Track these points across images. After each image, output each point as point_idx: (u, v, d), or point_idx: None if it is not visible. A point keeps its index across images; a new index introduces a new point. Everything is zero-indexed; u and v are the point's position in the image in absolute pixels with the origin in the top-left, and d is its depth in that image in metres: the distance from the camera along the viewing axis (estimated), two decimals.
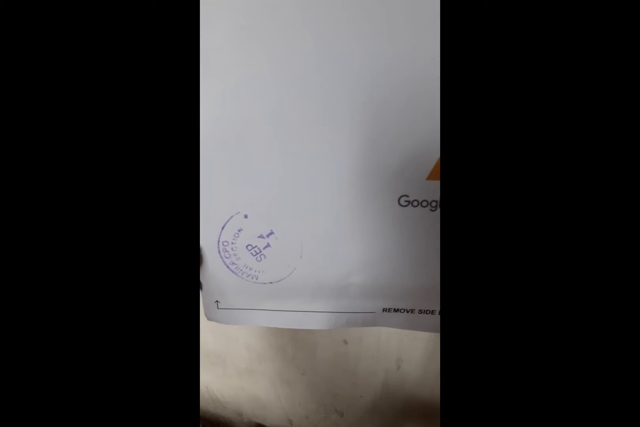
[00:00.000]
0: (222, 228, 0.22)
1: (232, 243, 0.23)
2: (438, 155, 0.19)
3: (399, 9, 0.16)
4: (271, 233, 0.22)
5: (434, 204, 0.20)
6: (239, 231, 0.22)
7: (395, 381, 0.38)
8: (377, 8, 0.16)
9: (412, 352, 0.34)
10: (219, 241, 0.22)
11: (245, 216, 0.22)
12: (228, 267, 0.24)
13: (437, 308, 0.24)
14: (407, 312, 0.25)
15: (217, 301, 0.25)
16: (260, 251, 0.23)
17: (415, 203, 0.20)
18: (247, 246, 0.23)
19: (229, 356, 0.41)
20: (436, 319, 0.25)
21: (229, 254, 0.23)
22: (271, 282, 0.24)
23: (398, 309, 0.25)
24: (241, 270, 0.24)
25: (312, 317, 0.25)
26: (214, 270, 0.24)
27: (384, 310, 0.25)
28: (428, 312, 0.25)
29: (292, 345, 0.37)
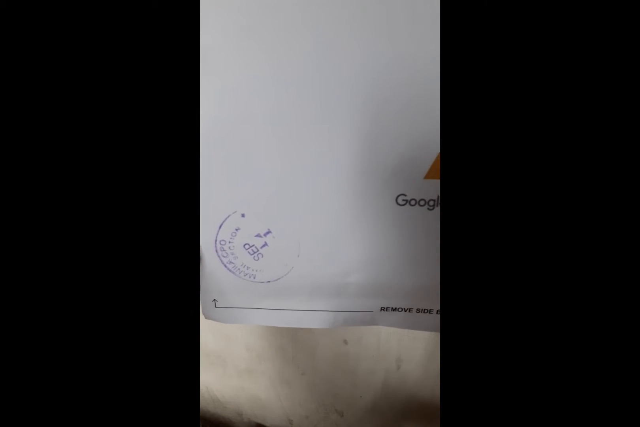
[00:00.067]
0: (220, 227, 0.22)
1: (230, 242, 0.23)
2: (436, 154, 0.19)
3: (399, 9, 0.16)
4: (268, 232, 0.22)
5: (431, 203, 0.20)
6: (236, 229, 0.22)
7: (395, 381, 0.38)
8: (377, 8, 0.16)
9: (412, 352, 0.34)
10: (216, 240, 0.23)
11: (243, 215, 0.22)
12: (225, 266, 0.24)
13: (435, 307, 0.24)
14: (405, 311, 0.25)
15: (214, 299, 0.25)
16: (258, 250, 0.23)
17: (412, 202, 0.20)
18: (244, 245, 0.23)
19: (229, 356, 0.41)
20: (434, 318, 0.25)
21: (227, 253, 0.23)
22: (269, 281, 0.24)
23: (396, 308, 0.25)
24: (239, 269, 0.24)
25: (310, 316, 0.25)
26: (212, 269, 0.24)
27: (382, 309, 0.25)
28: (426, 311, 0.25)
29: (292, 345, 0.37)
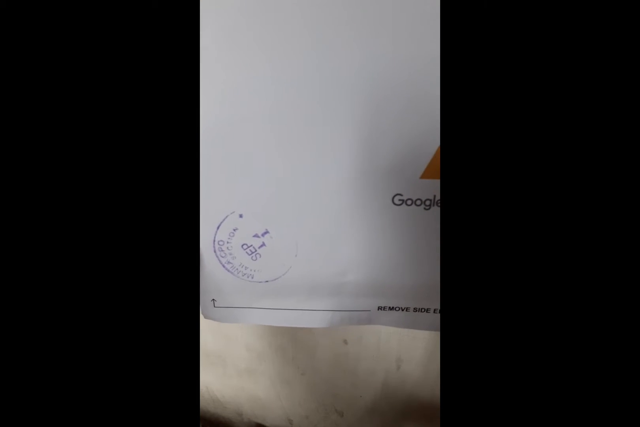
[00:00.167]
0: (218, 227, 0.22)
1: (228, 242, 0.23)
2: (432, 154, 0.19)
3: (399, 9, 0.16)
4: (266, 232, 0.22)
5: (428, 202, 0.20)
6: (234, 230, 0.22)
7: (395, 381, 0.38)
8: (377, 8, 0.16)
9: (412, 352, 0.34)
10: (214, 240, 0.23)
11: (240, 216, 0.22)
12: (224, 266, 0.24)
13: (432, 306, 0.24)
14: (403, 310, 0.25)
15: (213, 299, 0.25)
16: (256, 250, 0.23)
17: (409, 202, 0.21)
18: (242, 245, 0.23)
19: (229, 356, 0.41)
20: (431, 317, 0.25)
21: (225, 253, 0.23)
22: (267, 281, 0.24)
23: (393, 308, 0.25)
24: (237, 269, 0.24)
25: (308, 315, 0.25)
26: (210, 269, 0.24)
27: (380, 308, 0.25)
28: (423, 310, 0.25)
29: (292, 345, 0.37)
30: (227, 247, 0.23)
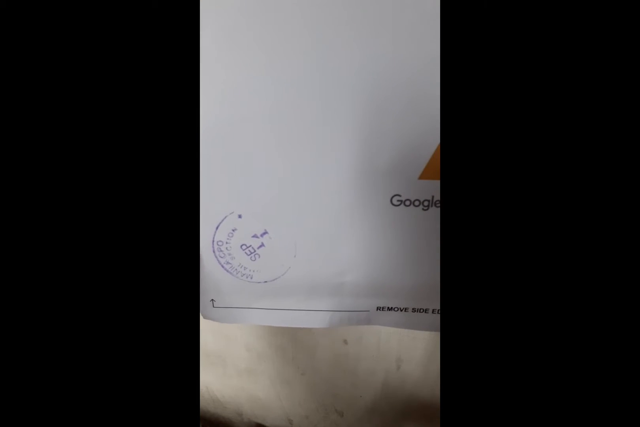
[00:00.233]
0: (217, 228, 0.22)
1: (227, 243, 0.23)
2: (430, 155, 0.19)
3: (399, 10, 0.16)
4: (265, 233, 0.22)
5: (426, 203, 0.20)
6: (233, 230, 0.22)
7: (395, 381, 0.38)
8: (377, 8, 0.16)
9: (412, 352, 0.34)
10: (213, 241, 0.23)
11: (239, 216, 0.22)
12: (223, 266, 0.24)
13: (431, 307, 0.25)
14: (401, 310, 0.25)
15: (212, 299, 0.25)
16: (255, 251, 0.23)
17: (407, 202, 0.21)
18: (241, 246, 0.23)
19: (229, 356, 0.41)
20: (430, 317, 0.25)
21: (224, 254, 0.23)
22: (266, 282, 0.24)
23: (392, 308, 0.25)
24: (236, 269, 0.24)
25: (306, 315, 0.25)
26: (209, 269, 0.24)
27: (378, 308, 0.25)
28: (422, 310, 0.25)
29: (292, 345, 0.37)
30: (226, 248, 0.23)
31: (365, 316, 0.25)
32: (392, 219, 0.21)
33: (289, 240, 0.22)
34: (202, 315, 0.26)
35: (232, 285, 0.24)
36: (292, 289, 0.24)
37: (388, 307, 0.25)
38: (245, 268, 0.24)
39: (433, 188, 0.20)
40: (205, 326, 0.38)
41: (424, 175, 0.20)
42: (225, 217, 0.22)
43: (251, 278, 0.24)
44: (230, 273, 0.24)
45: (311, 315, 0.25)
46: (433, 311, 0.24)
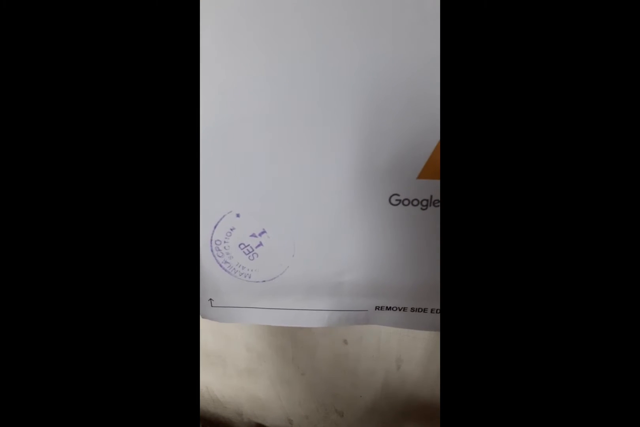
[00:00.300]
0: (215, 227, 0.22)
1: (225, 242, 0.23)
2: (429, 154, 0.19)
3: (399, 10, 0.16)
4: (263, 232, 0.22)
5: (424, 202, 0.20)
6: (231, 229, 0.22)
7: (395, 381, 0.38)
8: (377, 8, 0.16)
9: (412, 352, 0.34)
10: (211, 240, 0.23)
11: (238, 215, 0.22)
12: (221, 265, 0.24)
13: (430, 306, 0.24)
14: (400, 310, 0.25)
15: (210, 299, 0.25)
16: (253, 250, 0.23)
17: (406, 202, 0.21)
18: (239, 245, 0.23)
19: (229, 356, 0.41)
20: (428, 317, 0.25)
21: (222, 253, 0.23)
22: (264, 281, 0.24)
23: (390, 307, 0.25)
24: (234, 268, 0.24)
25: (305, 315, 0.25)
26: (207, 268, 0.24)
27: (377, 308, 0.25)
28: (420, 310, 0.25)
29: (292, 345, 0.37)
30: (224, 247, 0.23)
31: (363, 316, 0.25)
32: (391, 219, 0.21)
33: (287, 239, 0.22)
34: (201, 315, 0.26)
35: (231, 284, 0.24)
36: (291, 289, 0.24)
37: (386, 307, 0.25)
38: (243, 267, 0.24)
39: (431, 187, 0.20)
40: (205, 326, 0.38)
41: (422, 175, 0.20)
42: (224, 216, 0.22)
43: (249, 277, 0.24)
44: (229, 272, 0.24)
45: (310, 314, 0.25)
46: (432, 311, 0.24)
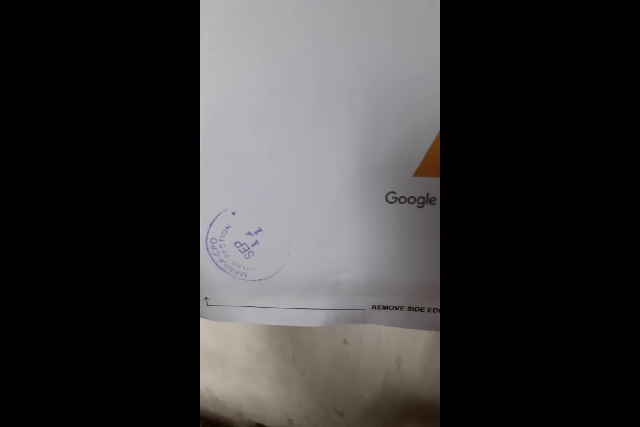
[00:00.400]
0: (210, 225, 0.22)
1: (221, 240, 0.23)
2: (425, 152, 0.19)
3: (399, 10, 0.16)
4: (259, 230, 0.22)
5: (421, 200, 0.20)
6: (227, 228, 0.22)
7: (395, 381, 0.38)
8: (377, 8, 0.16)
9: (412, 352, 0.34)
10: (207, 238, 0.23)
11: (233, 213, 0.22)
12: (217, 264, 0.24)
13: (427, 305, 0.24)
14: (397, 309, 0.25)
15: (206, 298, 0.25)
16: (249, 248, 0.23)
17: (402, 200, 0.20)
18: (235, 243, 0.23)
19: (229, 356, 0.41)
20: (426, 316, 0.25)
21: (218, 251, 0.23)
22: (260, 279, 0.24)
23: (387, 306, 0.25)
24: (230, 267, 0.24)
25: (302, 314, 0.25)
26: (203, 267, 0.24)
27: (374, 307, 0.25)
28: (418, 309, 0.25)
29: (292, 345, 0.37)
30: (220, 245, 0.23)
31: (360, 315, 0.25)
32: (387, 217, 0.21)
33: (283, 238, 0.22)
34: None
35: (226, 283, 0.24)
36: (287, 287, 0.24)
37: (384, 306, 0.25)
38: (239, 266, 0.24)
39: (428, 185, 0.20)
40: (205, 326, 0.38)
41: (418, 173, 0.20)
42: (219, 214, 0.22)
43: (245, 276, 0.24)
44: (224, 271, 0.24)
45: (306, 313, 0.25)
46: (429, 310, 0.24)
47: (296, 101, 0.18)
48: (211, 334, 0.39)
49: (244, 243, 0.23)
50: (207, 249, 0.23)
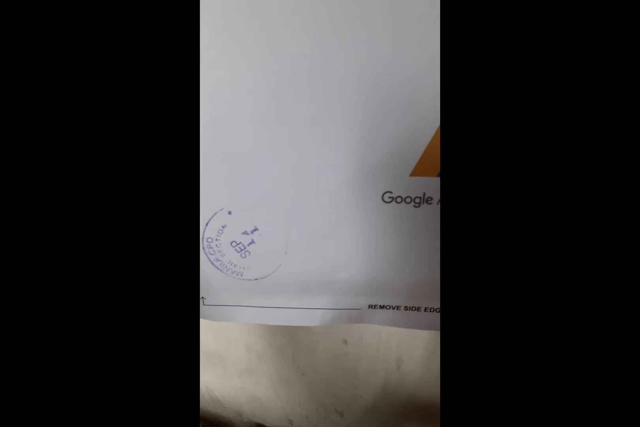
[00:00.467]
0: (206, 224, 0.22)
1: (217, 239, 0.23)
2: (421, 152, 0.19)
3: (399, 10, 0.16)
4: (255, 229, 0.22)
5: (417, 200, 0.20)
6: (223, 227, 0.22)
7: (395, 381, 0.38)
8: (377, 8, 0.16)
9: (412, 352, 0.34)
10: (203, 237, 0.23)
11: (229, 212, 0.22)
12: (213, 263, 0.24)
13: (423, 305, 0.24)
14: (394, 309, 0.25)
15: (202, 297, 0.25)
16: (245, 248, 0.23)
17: (399, 199, 0.20)
18: (231, 243, 0.23)
19: (229, 356, 0.41)
20: (423, 315, 0.25)
21: (214, 251, 0.23)
22: (256, 279, 0.24)
23: (384, 306, 0.25)
24: (226, 266, 0.24)
25: (298, 313, 0.25)
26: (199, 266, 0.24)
27: (370, 307, 0.25)
28: (414, 309, 0.25)
29: (292, 345, 0.37)
30: (216, 245, 0.23)
31: (357, 314, 0.25)
32: (384, 216, 0.21)
33: (279, 237, 0.22)
34: None
35: (223, 282, 0.24)
36: (283, 287, 0.24)
37: (380, 306, 0.25)
38: (235, 265, 0.24)
39: (424, 185, 0.20)
40: (206, 326, 0.38)
41: (415, 172, 0.20)
42: (215, 213, 0.22)
43: (241, 275, 0.24)
44: (221, 270, 0.24)
45: (302, 313, 0.25)
46: (426, 310, 0.24)
47: (296, 101, 0.18)
48: (211, 334, 0.39)
49: (240, 242, 0.23)
50: (203, 248, 0.23)
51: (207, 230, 0.22)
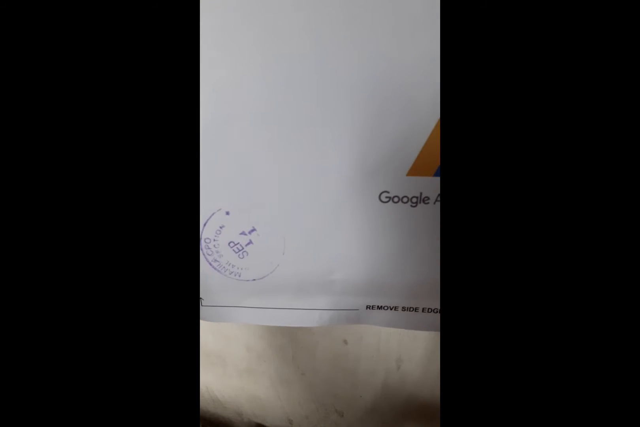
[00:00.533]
0: (204, 225, 0.22)
1: (214, 240, 0.23)
2: (418, 151, 0.19)
3: (399, 10, 0.16)
4: (253, 230, 0.22)
5: (414, 200, 0.20)
6: (220, 227, 0.22)
7: (395, 381, 0.38)
8: (377, 8, 0.16)
9: (412, 352, 0.34)
10: (200, 238, 0.23)
11: (227, 213, 0.22)
12: (211, 264, 0.24)
13: (421, 305, 0.24)
14: (391, 309, 0.25)
15: (201, 298, 0.25)
16: (243, 248, 0.23)
17: (395, 199, 0.20)
18: (229, 243, 0.23)
19: (229, 356, 0.41)
20: (421, 316, 0.25)
21: (212, 251, 0.23)
22: (254, 280, 0.24)
23: (382, 307, 0.25)
24: (224, 267, 0.24)
25: (296, 314, 0.25)
26: None
27: (368, 307, 0.25)
28: (412, 309, 0.24)
29: (292, 345, 0.37)
30: (214, 245, 0.23)
31: (355, 315, 0.25)
32: (381, 216, 0.21)
33: (277, 237, 0.22)
34: None
35: (221, 283, 0.24)
36: (281, 287, 0.24)
37: (378, 306, 0.25)
38: (233, 266, 0.24)
39: (421, 184, 0.20)
40: (205, 326, 0.38)
41: (412, 172, 0.20)
42: (213, 214, 0.22)
43: (239, 276, 0.24)
44: (219, 271, 0.24)
45: (300, 314, 0.25)
46: (424, 310, 0.24)
47: (295, 101, 0.18)
48: (211, 334, 0.39)
49: (238, 243, 0.23)
50: (201, 249, 0.23)
51: (205, 230, 0.22)
